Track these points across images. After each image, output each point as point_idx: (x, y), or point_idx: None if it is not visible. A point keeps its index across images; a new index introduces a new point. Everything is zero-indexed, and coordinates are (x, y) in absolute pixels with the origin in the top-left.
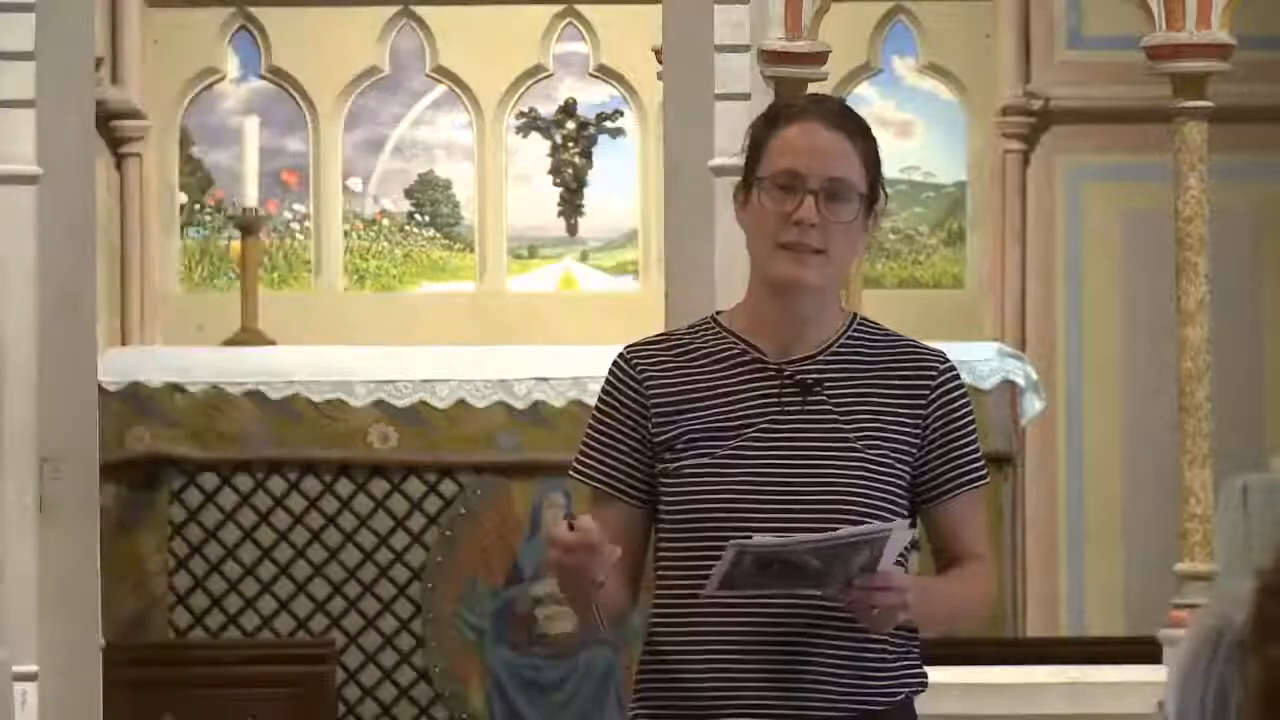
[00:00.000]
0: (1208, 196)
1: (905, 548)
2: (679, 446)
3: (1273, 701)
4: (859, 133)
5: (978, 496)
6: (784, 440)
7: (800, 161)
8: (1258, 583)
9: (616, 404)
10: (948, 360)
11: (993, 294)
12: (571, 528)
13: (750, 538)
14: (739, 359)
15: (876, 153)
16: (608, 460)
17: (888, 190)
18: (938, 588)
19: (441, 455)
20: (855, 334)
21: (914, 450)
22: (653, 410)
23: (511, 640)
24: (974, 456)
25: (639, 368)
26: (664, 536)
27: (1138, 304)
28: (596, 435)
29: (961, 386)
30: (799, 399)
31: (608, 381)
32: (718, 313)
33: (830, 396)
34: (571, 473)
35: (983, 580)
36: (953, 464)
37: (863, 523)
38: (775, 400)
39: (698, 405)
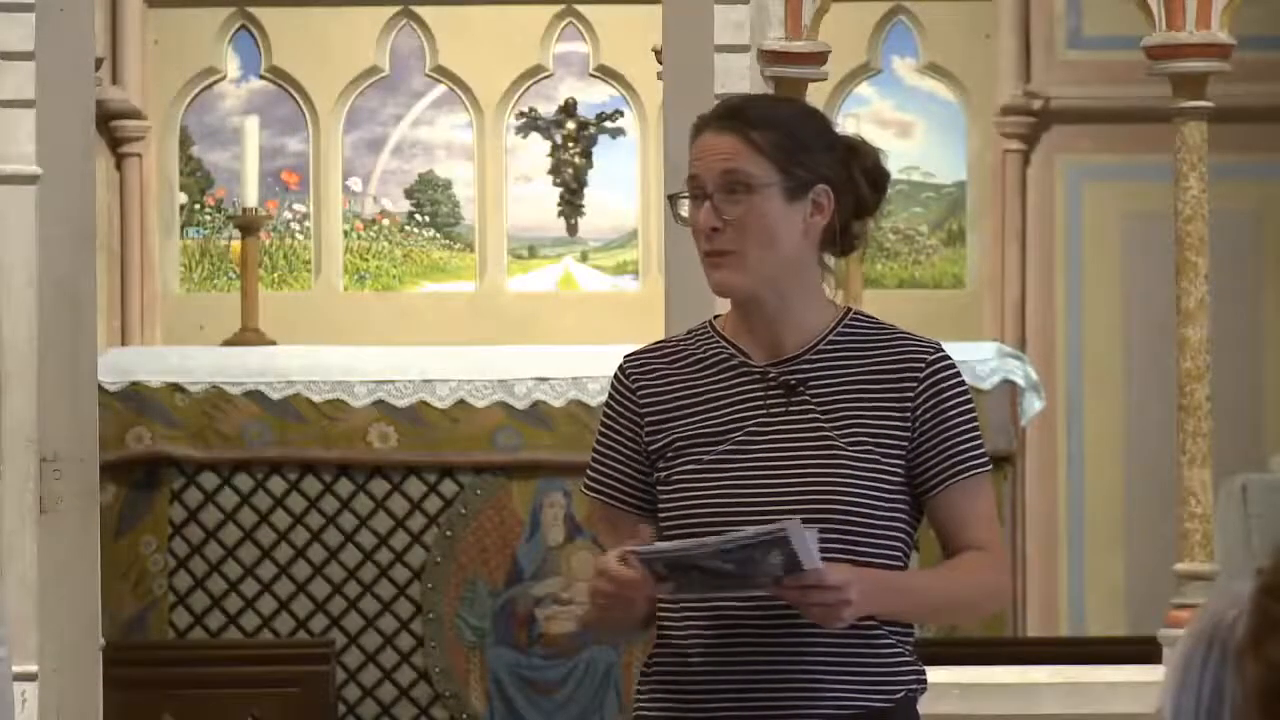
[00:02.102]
0: (1208, 196)
1: (903, 545)
2: (670, 454)
3: (1272, 702)
4: (755, 123)
5: (979, 485)
6: (769, 443)
7: (698, 169)
8: (1257, 583)
9: (615, 416)
10: (939, 350)
11: (993, 294)
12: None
13: (652, 545)
14: (727, 363)
15: (794, 135)
16: (611, 473)
17: (854, 166)
18: (913, 582)
19: (441, 455)
20: (844, 330)
21: (905, 443)
22: (646, 419)
23: (511, 640)
24: (969, 445)
25: (633, 378)
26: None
27: (1138, 304)
28: (601, 449)
29: (954, 375)
30: (784, 401)
31: (608, 393)
32: (715, 317)
33: (814, 397)
34: (583, 489)
35: (978, 570)
36: (946, 453)
37: (846, 523)
38: (761, 403)
39: (688, 412)
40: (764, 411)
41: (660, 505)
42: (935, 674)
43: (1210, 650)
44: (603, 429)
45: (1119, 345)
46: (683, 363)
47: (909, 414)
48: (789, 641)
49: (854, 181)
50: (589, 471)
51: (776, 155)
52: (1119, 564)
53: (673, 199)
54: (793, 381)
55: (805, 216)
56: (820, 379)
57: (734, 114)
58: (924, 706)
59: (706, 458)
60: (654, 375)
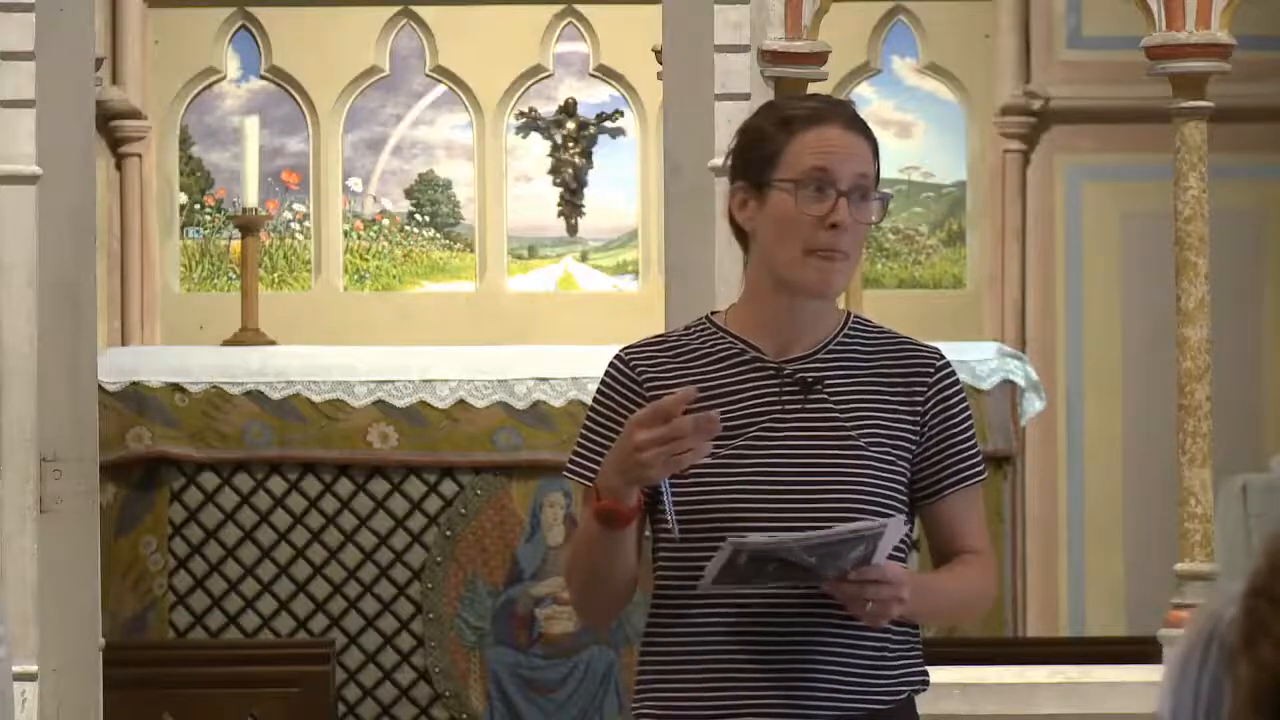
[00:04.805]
0: (1208, 196)
1: (904, 547)
2: None
3: (1263, 703)
4: (869, 135)
5: (976, 493)
6: (786, 438)
7: (830, 162)
8: (1247, 584)
9: (615, 404)
10: (943, 357)
11: (993, 294)
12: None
13: (745, 536)
14: (738, 358)
15: (879, 151)
16: (604, 458)
17: (886, 192)
18: (933, 583)
19: (441, 455)
20: (851, 332)
21: (913, 447)
22: None
23: (511, 640)
24: (971, 453)
25: (638, 369)
26: (664, 536)
27: (1138, 304)
28: (593, 434)
29: (957, 383)
30: (799, 397)
31: (605, 382)
32: (713, 313)
33: (830, 394)
34: (565, 471)
35: (980, 574)
36: (950, 461)
37: (865, 519)
38: (776, 399)
39: (699, 405)
40: (779, 407)
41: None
42: (935, 674)
43: (1208, 650)
44: (598, 416)
45: (1119, 345)
46: (686, 356)
47: (919, 418)
48: (797, 642)
49: None
50: (576, 455)
51: (877, 168)
52: (1119, 564)
53: (797, 184)
54: (809, 378)
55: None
56: (834, 377)
57: (857, 119)
58: (924, 706)
59: (722, 451)
60: (660, 368)
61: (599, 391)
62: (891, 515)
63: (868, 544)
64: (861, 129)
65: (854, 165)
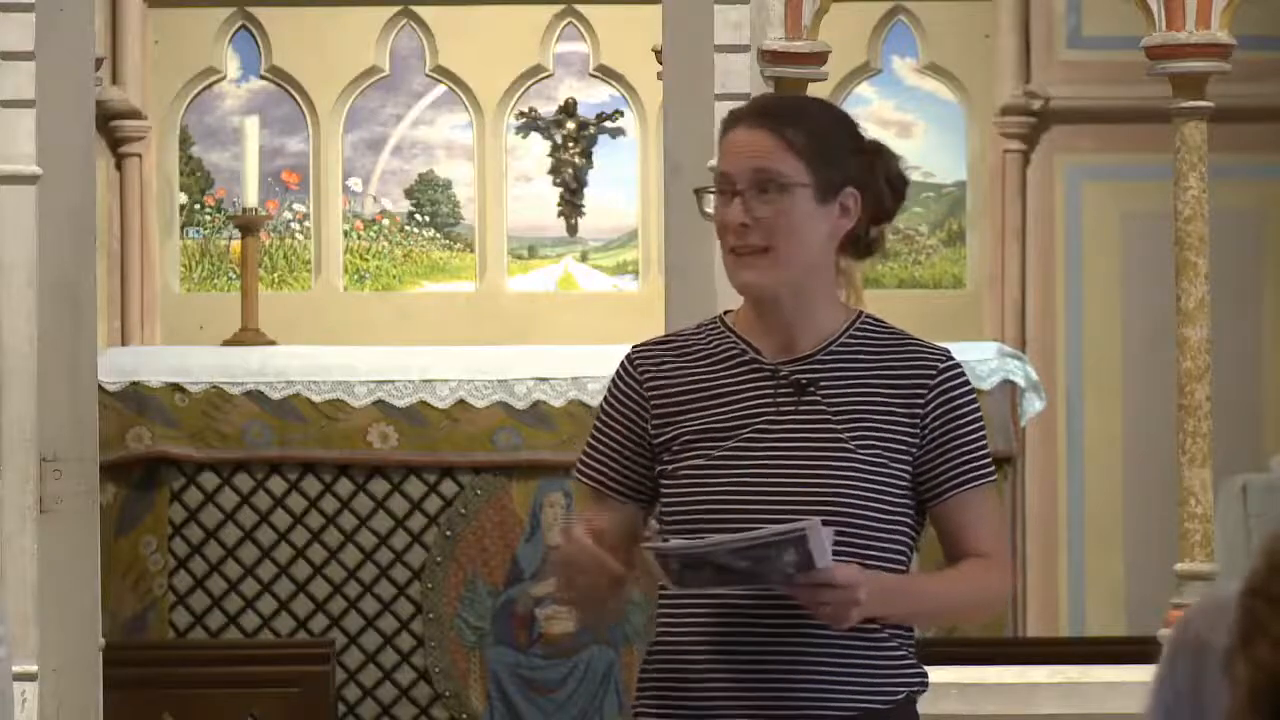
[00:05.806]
0: (1208, 196)
1: (905, 552)
2: (676, 448)
3: (1259, 701)
4: (789, 122)
5: (984, 495)
6: (778, 441)
7: (728, 164)
8: (1245, 583)
9: (617, 405)
10: (950, 358)
11: (993, 294)
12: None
13: (666, 540)
14: (738, 359)
15: (826, 137)
16: (607, 461)
17: (879, 170)
18: (914, 585)
19: (441, 455)
20: (857, 333)
21: (913, 450)
22: (653, 411)
23: (511, 640)
24: (977, 455)
25: (640, 369)
26: (666, 537)
27: (1138, 304)
28: (597, 436)
29: (964, 384)
30: (794, 399)
31: (611, 382)
32: (726, 312)
33: (825, 396)
34: (574, 472)
35: (980, 576)
36: (953, 463)
37: (852, 524)
38: (771, 401)
39: (697, 406)
40: (774, 409)
41: (665, 498)
42: (935, 674)
43: (1185, 648)
44: (604, 416)
45: (1119, 345)
46: (691, 357)
47: (918, 421)
48: (791, 642)
49: (878, 186)
50: (583, 456)
51: (810, 156)
52: (1119, 564)
53: (699, 193)
54: (803, 380)
55: (833, 219)
56: (831, 379)
57: (767, 112)
58: (924, 706)
59: (715, 453)
60: (663, 367)
61: (606, 391)
62: (884, 521)
63: (796, 547)
64: (770, 123)
65: (749, 161)
